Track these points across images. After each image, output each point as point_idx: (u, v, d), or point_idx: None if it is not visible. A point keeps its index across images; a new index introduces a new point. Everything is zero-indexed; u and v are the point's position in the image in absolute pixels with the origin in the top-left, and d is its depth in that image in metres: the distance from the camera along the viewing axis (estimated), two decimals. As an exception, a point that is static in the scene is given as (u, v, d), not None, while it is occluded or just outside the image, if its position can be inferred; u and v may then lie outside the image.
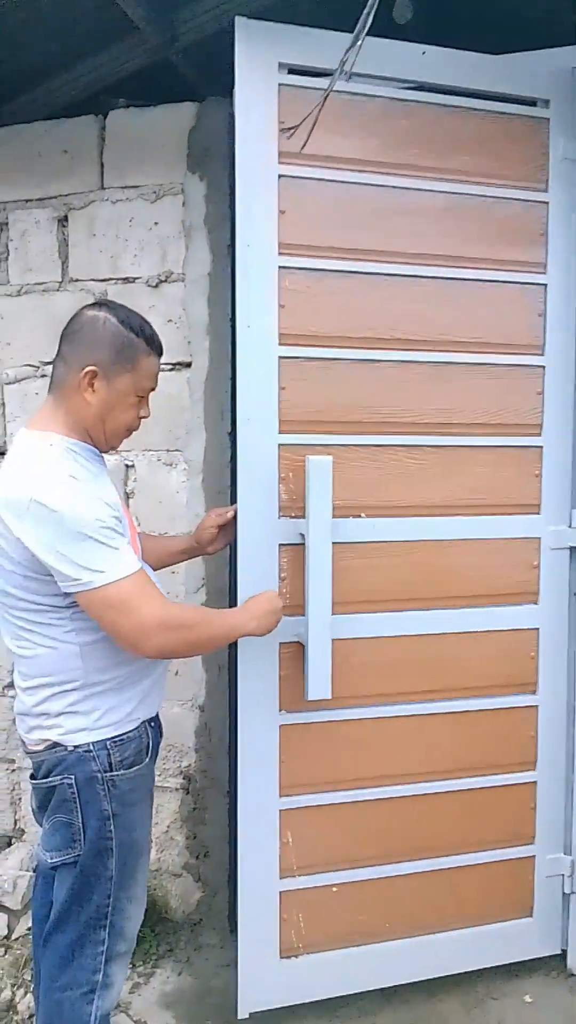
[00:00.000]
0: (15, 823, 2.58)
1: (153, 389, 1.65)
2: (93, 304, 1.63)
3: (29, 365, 2.45)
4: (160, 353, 1.64)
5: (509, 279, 1.98)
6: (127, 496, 2.40)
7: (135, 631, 1.46)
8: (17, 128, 2.43)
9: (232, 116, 1.82)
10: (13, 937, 2.36)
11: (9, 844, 2.59)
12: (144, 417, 1.66)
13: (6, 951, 2.31)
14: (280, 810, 1.91)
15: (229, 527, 1.93)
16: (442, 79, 1.91)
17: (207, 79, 2.37)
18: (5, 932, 2.36)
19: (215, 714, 2.37)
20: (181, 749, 2.40)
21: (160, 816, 2.43)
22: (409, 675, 1.97)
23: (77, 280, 2.41)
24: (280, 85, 1.83)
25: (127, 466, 2.40)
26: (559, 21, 2.18)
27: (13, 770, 2.54)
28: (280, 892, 1.95)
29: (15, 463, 1.51)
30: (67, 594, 1.49)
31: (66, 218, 2.42)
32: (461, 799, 2.02)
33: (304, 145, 1.71)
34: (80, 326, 1.59)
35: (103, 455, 1.68)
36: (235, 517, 1.87)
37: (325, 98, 1.58)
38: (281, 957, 1.96)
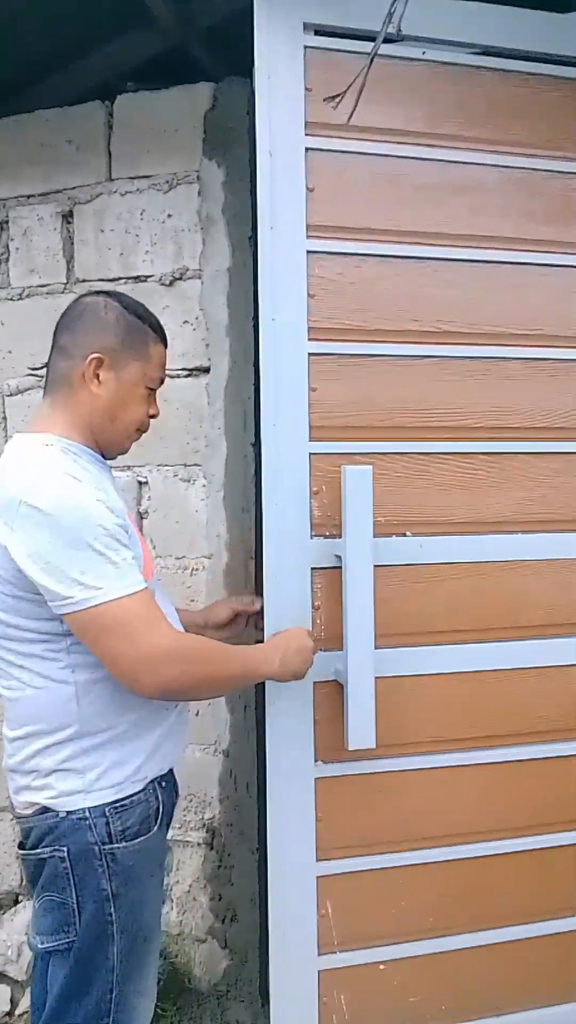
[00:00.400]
0: (21, 879, 2.34)
1: (162, 381, 1.49)
2: (91, 292, 1.46)
3: (32, 374, 2.26)
4: (166, 343, 1.48)
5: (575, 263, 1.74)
6: (140, 516, 2.18)
7: (137, 662, 1.25)
8: (19, 118, 2.26)
9: (254, 95, 1.62)
10: (17, 1013, 2.12)
11: (16, 902, 2.35)
12: (153, 416, 1.46)
13: (8, 1031, 2.06)
14: (318, 877, 1.66)
15: (250, 619, 1.71)
16: (499, 40, 1.69)
17: (225, 64, 2.18)
18: (8, 1007, 2.12)
19: (242, 760, 2.13)
20: (204, 799, 2.16)
21: (181, 874, 2.19)
22: (466, 718, 1.72)
23: (84, 281, 2.22)
24: (306, 48, 1.62)
25: (140, 483, 2.18)
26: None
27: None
28: (319, 971, 1.70)
29: (6, 468, 1.32)
30: (62, 619, 1.28)
31: (71, 213, 2.23)
32: (529, 860, 1.76)
33: (351, 116, 1.50)
34: (80, 312, 1.43)
35: (109, 465, 1.48)
36: (262, 611, 1.64)
37: (372, 58, 1.38)
38: (321, 1047, 1.70)
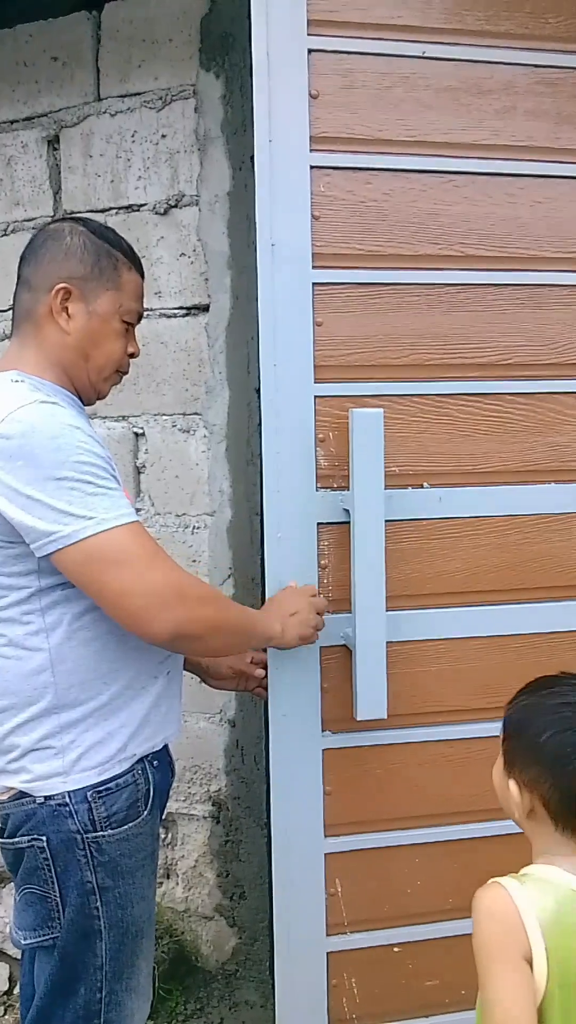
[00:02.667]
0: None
1: (140, 315, 1.37)
2: (56, 219, 1.34)
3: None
4: (142, 273, 1.37)
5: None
6: (137, 471, 2.08)
7: (147, 596, 1.13)
8: (-2, 34, 2.12)
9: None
10: (15, 992, 2.09)
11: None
12: (132, 355, 1.35)
13: (6, 1010, 2.04)
14: (326, 854, 1.59)
15: (251, 678, 1.60)
16: None
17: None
18: (6, 986, 2.10)
19: (249, 730, 2.06)
20: (209, 771, 2.10)
21: (187, 848, 2.14)
22: (486, 687, 1.62)
23: (72, 212, 2.09)
24: None
25: (136, 434, 2.09)
26: None
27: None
28: (328, 953, 1.63)
29: None
30: (39, 573, 1.17)
31: (57, 138, 2.12)
32: None
33: None
34: (43, 241, 1.32)
35: (85, 409, 1.38)
36: (266, 675, 1.54)
37: None
38: (332, 1033, 1.65)
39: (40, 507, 1.12)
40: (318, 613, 1.44)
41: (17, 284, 1.32)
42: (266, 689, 1.55)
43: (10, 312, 2.15)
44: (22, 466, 1.12)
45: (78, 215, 1.44)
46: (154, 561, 1.16)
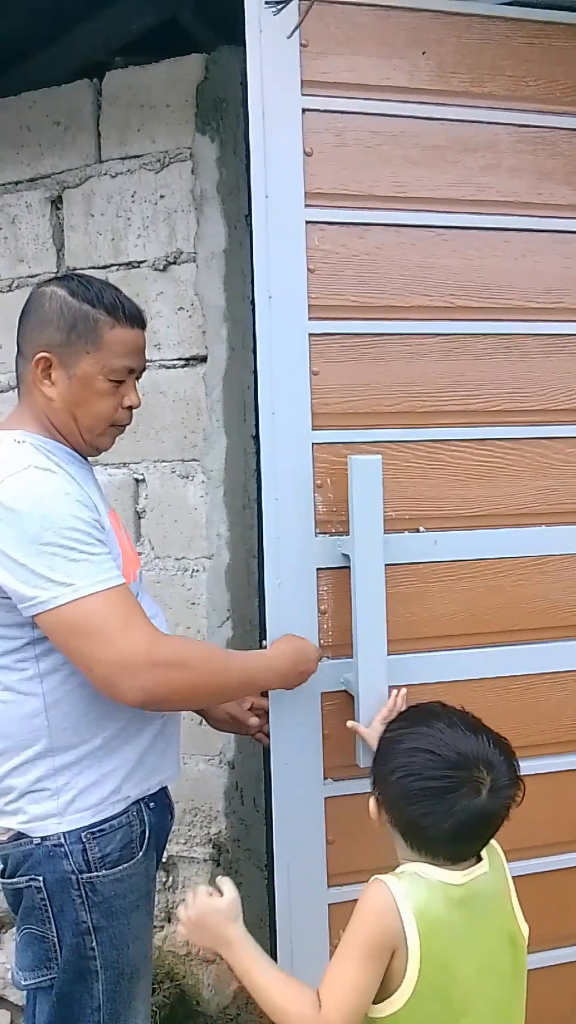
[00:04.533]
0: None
1: (135, 369, 1.28)
2: (44, 282, 1.29)
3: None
4: (135, 323, 1.27)
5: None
6: (137, 516, 2.01)
7: (113, 666, 1.10)
8: (3, 102, 2.10)
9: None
10: (17, 1041, 1.95)
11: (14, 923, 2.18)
12: (131, 407, 1.29)
13: (6, 1062, 1.90)
14: (329, 904, 1.48)
15: (243, 724, 1.51)
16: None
17: (217, 34, 2.01)
18: (7, 1035, 1.96)
19: (248, 772, 1.95)
20: (209, 813, 1.99)
21: (188, 892, 2.01)
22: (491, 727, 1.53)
23: (75, 269, 2.04)
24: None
25: (136, 480, 2.01)
26: None
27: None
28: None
29: None
30: (33, 624, 1.13)
31: (60, 199, 2.07)
32: (561, 881, 1.57)
33: (295, 31, 1.32)
34: (28, 308, 1.27)
35: (90, 462, 1.31)
36: (263, 722, 1.48)
37: None
38: None
39: (24, 571, 1.09)
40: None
41: (17, 349, 1.27)
42: (267, 735, 1.46)
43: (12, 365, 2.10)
44: (12, 532, 1.09)
45: (67, 275, 1.35)
46: (125, 631, 1.11)
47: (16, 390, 1.30)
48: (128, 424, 1.31)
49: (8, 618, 1.14)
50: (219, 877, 1.15)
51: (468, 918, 1.02)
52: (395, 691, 1.38)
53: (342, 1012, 0.96)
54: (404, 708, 1.31)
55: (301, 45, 1.43)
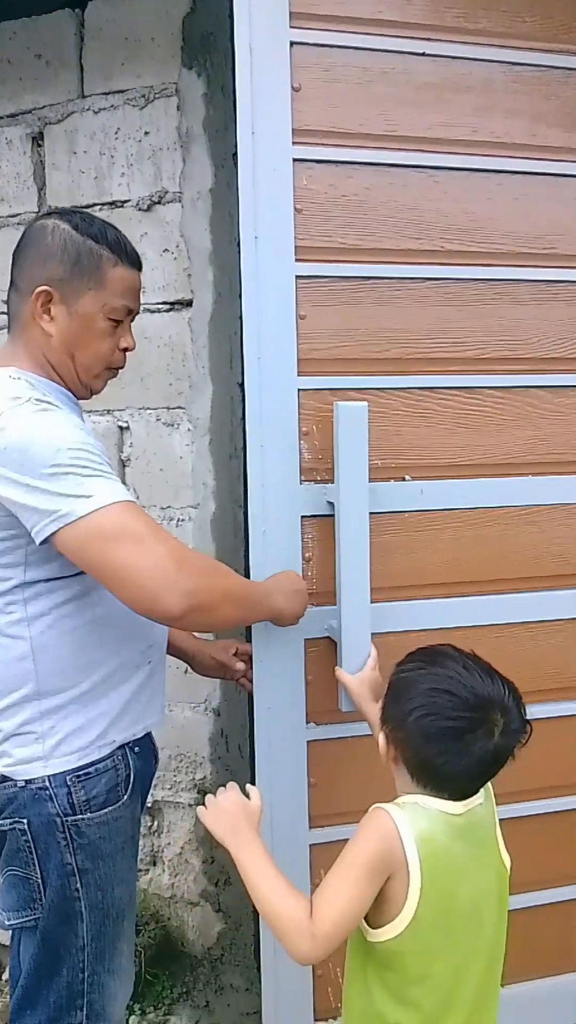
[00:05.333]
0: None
1: (133, 311, 1.27)
2: (42, 215, 1.24)
3: (4, 312, 2.04)
4: (135, 264, 1.25)
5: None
6: (122, 464, 1.99)
7: (156, 570, 1.04)
8: (-19, 31, 2.00)
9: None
10: (5, 977, 1.99)
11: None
12: (126, 349, 1.28)
13: (-5, 998, 1.94)
14: (311, 845, 1.51)
15: (228, 668, 1.51)
16: None
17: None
18: (-4, 973, 2.00)
19: (233, 719, 1.97)
20: (194, 759, 2.01)
21: (173, 836, 2.05)
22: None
23: (57, 208, 1.98)
24: None
25: (121, 428, 1.99)
26: None
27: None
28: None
29: None
30: (25, 566, 1.12)
31: (41, 135, 2.00)
32: (545, 825, 1.60)
33: None
34: (27, 241, 1.22)
35: (82, 406, 1.29)
36: (248, 668, 1.48)
37: None
38: (316, 1021, 1.57)
39: (39, 492, 1.05)
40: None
41: (9, 284, 1.23)
42: (251, 681, 1.47)
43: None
44: (19, 459, 1.06)
45: (66, 208, 1.31)
46: (157, 534, 1.08)
47: (8, 327, 1.26)
48: (122, 367, 1.29)
49: (3, 557, 1.13)
50: (249, 785, 1.17)
51: (466, 845, 1.05)
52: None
53: (332, 923, 0.99)
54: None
55: (291, -25, 1.38)
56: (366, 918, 1.05)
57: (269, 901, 1.03)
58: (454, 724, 1.01)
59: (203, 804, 1.16)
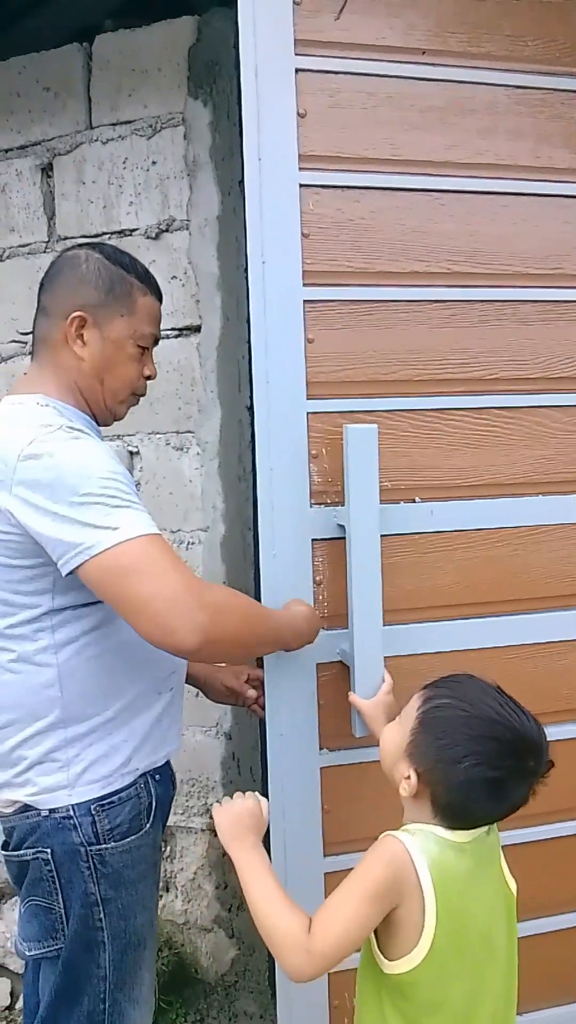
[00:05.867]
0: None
1: (156, 338, 1.30)
2: (73, 246, 1.27)
3: (16, 341, 2.05)
4: (159, 295, 1.29)
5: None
6: (132, 488, 1.98)
7: (173, 603, 1.03)
8: (-9, 66, 2.03)
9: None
10: (18, 1007, 1.96)
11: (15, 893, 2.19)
12: (149, 377, 1.29)
13: (8, 1028, 1.91)
14: (325, 873, 1.48)
15: (240, 695, 1.51)
16: None
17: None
18: (8, 1001, 1.97)
19: (244, 742, 1.95)
20: (206, 784, 1.98)
21: (185, 861, 2.02)
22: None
23: (66, 238, 2.01)
24: (294, -46, 1.39)
25: (131, 452, 1.99)
26: None
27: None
28: (329, 973, 1.51)
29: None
30: (54, 593, 1.12)
31: (51, 166, 2.02)
32: (559, 848, 1.57)
33: (340, 12, 1.28)
34: (59, 268, 1.25)
35: (100, 430, 1.30)
36: (260, 694, 1.47)
37: None
38: (333, 1053, 1.53)
39: (66, 522, 1.05)
40: None
41: (36, 310, 1.25)
42: (263, 707, 1.45)
43: (7, 335, 2.06)
44: (48, 486, 1.06)
45: (93, 242, 1.35)
46: (176, 568, 1.07)
47: (32, 353, 1.27)
48: (144, 395, 1.31)
49: (29, 587, 1.12)
50: (260, 797, 1.16)
51: (476, 871, 1.03)
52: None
53: (328, 942, 0.95)
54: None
55: (294, 3, 1.38)
56: (382, 950, 1.02)
57: (265, 913, 1.00)
58: (499, 774, 0.99)
59: (215, 830, 1.15)
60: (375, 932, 1.02)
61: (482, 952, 1.04)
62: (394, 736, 1.09)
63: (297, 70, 1.39)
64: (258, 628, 1.22)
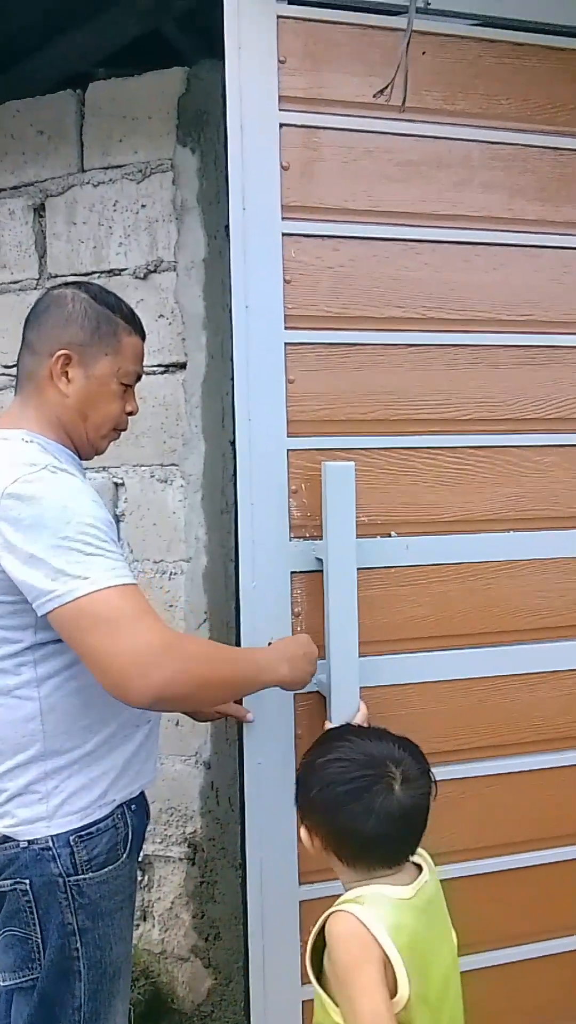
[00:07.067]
0: None
1: (139, 376, 1.32)
2: (60, 285, 1.30)
3: (5, 374, 2.08)
4: (142, 334, 1.32)
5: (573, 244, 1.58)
6: (116, 519, 2.00)
7: (131, 658, 1.04)
8: (-12, 110, 2.08)
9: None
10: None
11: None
12: (131, 413, 1.31)
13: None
14: (300, 901, 1.48)
15: (231, 715, 1.50)
16: (485, 9, 1.52)
17: (199, 48, 2.02)
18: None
19: (223, 772, 1.95)
20: (185, 813, 1.98)
21: (163, 891, 2.01)
22: (458, 729, 1.55)
23: (56, 276, 2.04)
24: (279, 17, 1.45)
25: (116, 484, 2.01)
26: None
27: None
28: (303, 1001, 1.51)
29: None
30: (36, 628, 1.12)
31: (43, 206, 2.06)
32: (536, 878, 1.58)
33: (404, 101, 1.40)
34: (46, 306, 1.27)
35: (83, 465, 1.32)
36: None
37: (408, 40, 1.29)
38: None
39: (41, 566, 1.06)
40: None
41: (21, 346, 1.27)
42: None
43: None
44: (29, 527, 1.07)
45: (80, 281, 1.39)
46: (140, 622, 1.07)
47: (16, 388, 1.29)
48: (125, 430, 1.33)
49: (12, 622, 1.13)
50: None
51: (429, 923, 1.05)
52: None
53: None
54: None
55: (279, 62, 1.44)
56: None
57: None
58: (351, 786, 1.03)
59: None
60: (333, 999, 1.03)
61: (444, 1002, 1.06)
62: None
63: (281, 125, 1.44)
64: (227, 678, 1.21)
